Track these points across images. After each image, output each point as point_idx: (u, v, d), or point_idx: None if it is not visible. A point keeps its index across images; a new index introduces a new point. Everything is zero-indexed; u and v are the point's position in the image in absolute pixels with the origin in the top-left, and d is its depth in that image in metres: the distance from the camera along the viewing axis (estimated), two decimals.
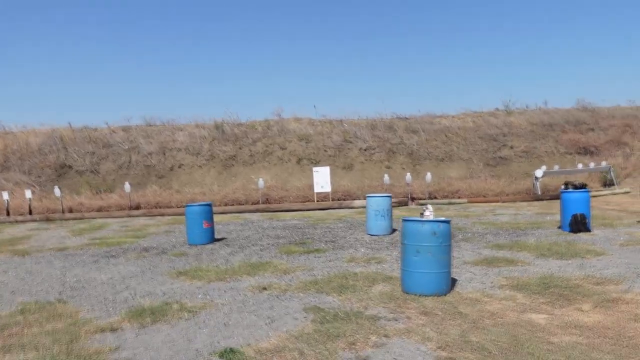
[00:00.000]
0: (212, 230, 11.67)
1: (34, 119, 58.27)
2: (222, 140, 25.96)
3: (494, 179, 23.00)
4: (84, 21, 63.73)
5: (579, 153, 24.73)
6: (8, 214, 20.11)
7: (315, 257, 9.19)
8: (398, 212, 15.73)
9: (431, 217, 6.25)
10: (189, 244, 11.39)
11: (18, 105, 57.68)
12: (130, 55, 64.26)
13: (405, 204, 20.00)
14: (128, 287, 7.40)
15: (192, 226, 11.43)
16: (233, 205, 20.90)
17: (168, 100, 61.04)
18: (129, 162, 24.58)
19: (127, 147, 25.33)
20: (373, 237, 11.46)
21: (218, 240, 11.94)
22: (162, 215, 19.53)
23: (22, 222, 19.17)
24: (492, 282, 6.75)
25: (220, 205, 20.66)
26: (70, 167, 24.22)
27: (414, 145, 25.65)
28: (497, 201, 20.12)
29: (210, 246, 11.07)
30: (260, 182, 20.76)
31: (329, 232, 12.68)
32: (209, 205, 11.73)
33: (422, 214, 6.28)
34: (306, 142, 25.87)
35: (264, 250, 10.17)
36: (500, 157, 24.84)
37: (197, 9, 68.38)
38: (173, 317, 5.70)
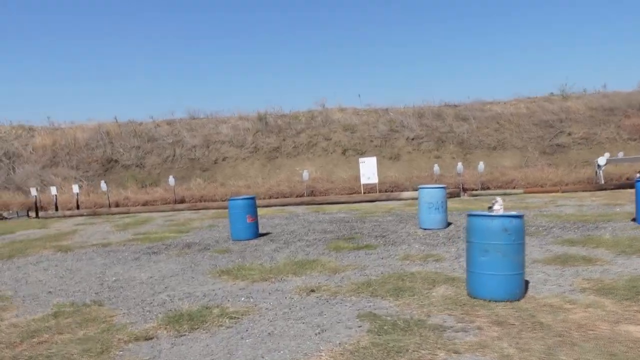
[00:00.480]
0: (256, 224, 11.16)
1: (82, 115, 59.61)
2: (265, 132, 25.55)
3: (551, 167, 21.70)
4: (129, 17, 64.78)
5: None
6: (57, 208, 20.31)
7: (366, 254, 8.52)
8: (450, 204, 14.85)
9: (501, 212, 5.46)
10: (233, 240, 10.94)
11: (67, 102, 59.23)
12: (173, 49, 64.91)
13: (457, 195, 19.03)
14: (167, 287, 6.94)
15: (236, 221, 10.96)
16: (277, 198, 20.45)
17: (211, 93, 61.41)
18: (174, 156, 24.51)
19: (171, 141, 25.27)
20: (426, 231, 10.69)
21: (262, 235, 11.43)
22: (207, 209, 19.26)
23: (70, 216, 19.29)
24: (570, 285, 5.91)
25: (264, 199, 20.26)
26: (116, 161, 24.35)
27: (464, 133, 24.54)
28: (556, 191, 18.89)
29: (254, 242, 10.57)
30: (305, 174, 20.22)
31: (379, 226, 11.98)
32: (253, 198, 11.21)
33: (490, 207, 5.49)
34: (351, 132, 25.15)
35: (310, 247, 9.58)
36: (558, 145, 23.44)
37: (240, 2, 68.41)
38: (213, 324, 5.16)
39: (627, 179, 19.82)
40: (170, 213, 18.73)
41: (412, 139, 24.41)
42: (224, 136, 25.31)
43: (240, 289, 6.56)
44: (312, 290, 6.19)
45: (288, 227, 12.62)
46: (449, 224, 11.26)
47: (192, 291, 6.62)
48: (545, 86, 61.15)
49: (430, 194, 10.85)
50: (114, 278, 7.77)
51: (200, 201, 20.56)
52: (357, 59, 66.58)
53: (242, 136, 25.21)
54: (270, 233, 11.75)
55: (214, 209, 19.14)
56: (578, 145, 23.28)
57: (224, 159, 24.20)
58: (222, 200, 20.46)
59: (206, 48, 66.08)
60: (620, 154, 21.06)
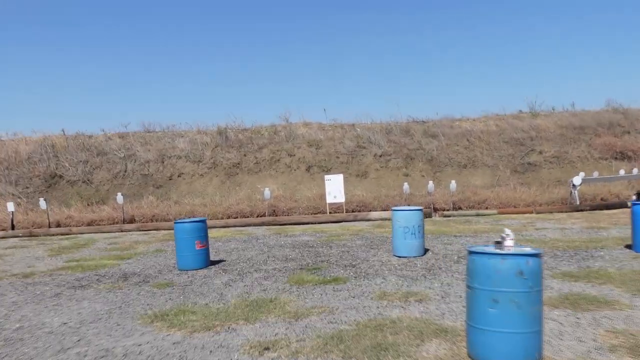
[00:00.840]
0: (206, 252, 9.66)
1: (27, 127, 56.49)
2: (225, 146, 24.03)
3: (523, 187, 20.88)
4: (81, 24, 62.36)
5: (615, 158, 22.56)
6: None
7: (334, 290, 7.16)
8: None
9: (512, 249, 4.21)
10: (179, 269, 9.41)
11: (11, 113, 55.91)
12: (128, 59, 62.61)
13: (429, 216, 17.89)
14: (81, 339, 5.40)
15: (183, 247, 9.44)
16: (237, 217, 18.91)
17: (168, 106, 59.02)
18: (125, 171, 22.70)
19: (123, 155, 23.45)
20: (402, 259, 9.40)
21: (215, 263, 9.94)
22: (157, 229, 17.55)
23: (2, 237, 17.28)
24: (594, 340, 4.68)
25: (222, 218, 18.70)
26: (61, 176, 22.36)
27: (433, 150, 23.59)
28: (530, 212, 17.99)
29: (203, 272, 9.07)
30: (267, 192, 18.77)
31: (348, 252, 10.64)
32: (203, 221, 9.72)
33: (499, 242, 4.21)
34: (316, 149, 23.89)
35: (268, 279, 8.16)
36: (529, 164, 22.72)
37: (197, 9, 66.80)
38: None
39: (602, 199, 19.13)
40: (117, 234, 16.95)
41: (380, 156, 23.31)
42: (181, 151, 23.66)
43: (173, 344, 5.09)
44: (267, 349, 4.78)
45: (245, 253, 11.15)
46: (426, 250, 10.02)
47: (111, 347, 5.10)
48: (513, 104, 61.13)
49: (406, 218, 9.59)
50: (17, 325, 6.16)
51: (152, 221, 18.82)
52: (322, 72, 65.66)
53: (200, 151, 23.62)
54: (224, 261, 10.26)
55: (165, 229, 17.45)
56: (549, 164, 22.62)
57: (179, 175, 22.54)
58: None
59: (164, 58, 63.98)
60: (596, 174, 20.41)
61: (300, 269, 8.92)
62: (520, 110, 27.47)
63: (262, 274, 8.66)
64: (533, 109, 26.49)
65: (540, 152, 23.21)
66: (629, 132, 23.97)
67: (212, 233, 15.76)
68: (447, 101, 62.73)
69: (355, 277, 7.94)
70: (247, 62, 65.65)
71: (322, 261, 9.63)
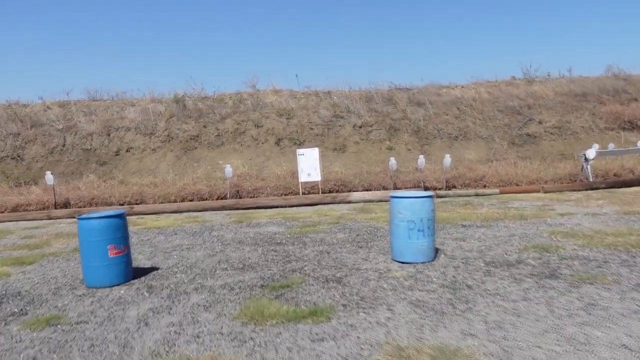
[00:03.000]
0: (125, 260, 6.69)
1: None
2: (182, 117, 20.84)
3: (523, 161, 18.35)
4: None
5: (623, 128, 20.18)
6: None
7: (311, 337, 4.34)
8: None
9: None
10: (87, 286, 6.48)
11: None
12: (73, 19, 57.79)
13: None
14: None
15: (90, 255, 6.46)
16: (192, 200, 15.93)
17: (120, 71, 53.86)
18: (63, 146, 19.38)
19: (62, 127, 20.08)
20: (407, 268, 6.64)
21: (142, 273, 7.02)
22: None
23: None
24: None
25: (174, 201, 15.69)
26: None
27: (420, 120, 20.84)
28: (537, 190, 15.47)
29: (119, 292, 6.16)
30: (228, 170, 15.77)
31: (328, 253, 7.82)
32: (120, 217, 6.69)
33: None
34: (287, 119, 20.89)
35: (211, 308, 5.31)
36: (528, 135, 20.18)
37: None
38: None
39: (615, 174, 16.73)
40: (42, 222, 13.83)
41: (360, 127, 20.45)
42: (130, 122, 20.38)
43: None
44: None
45: (189, 255, 8.24)
46: (436, 250, 7.28)
47: None
48: (504, 70, 56.92)
49: (413, 208, 6.79)
50: None
51: (90, 205, 15.70)
52: (294, 35, 61.62)
53: (153, 122, 20.38)
54: (156, 269, 7.34)
55: None
56: (550, 135, 20.12)
57: (128, 150, 19.32)
58: (120, 204, 15.73)
59: (116, 17, 59.21)
60: (611, 146, 17.92)
61: (262, 286, 6.07)
62: (513, 77, 24.87)
63: (205, 295, 5.79)
64: (528, 74, 23.87)
65: (540, 122, 20.68)
66: (636, 100, 21.57)
67: (159, 221, 12.81)
68: (432, 68, 59.06)
69: (345, 307, 5.14)
70: (210, 23, 60.94)
71: (293, 270, 6.79)
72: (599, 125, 20.43)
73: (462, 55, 56.01)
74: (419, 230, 6.78)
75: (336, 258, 7.45)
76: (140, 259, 8.03)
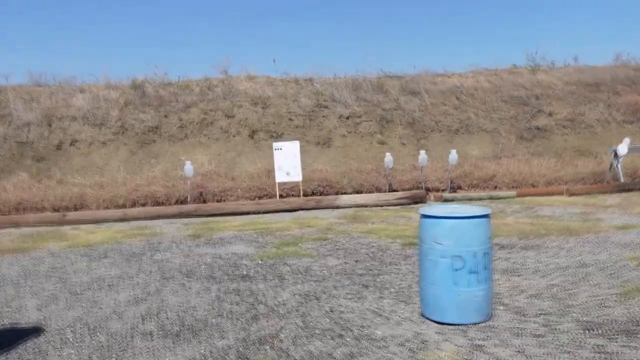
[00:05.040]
0: None
1: None
2: (140, 105, 17.85)
3: (535, 158, 15.87)
4: None
5: None
6: None
7: None
8: (416, 222, 8.37)
9: None
10: None
11: None
12: None
13: (421, 200, 12.57)
14: None
15: None
16: (145, 205, 13.03)
17: (73, 55, 47.83)
18: None
19: None
20: (449, 332, 3.94)
21: (8, 342, 4.19)
22: (17, 225, 11.45)
23: None
24: None
25: (122, 206, 12.80)
26: None
27: (415, 111, 18.22)
28: (559, 193, 12.97)
29: None
30: (188, 168, 12.89)
31: (317, 300, 5.07)
32: None
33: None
34: (263, 108, 18.07)
35: None
36: (537, 128, 17.71)
37: None
38: None
39: None
40: None
41: (347, 118, 17.73)
42: (77, 110, 17.31)
43: None
44: None
45: (106, 301, 5.41)
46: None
47: None
48: (504, 59, 51.84)
49: (461, 236, 4.09)
50: None
51: (16, 211, 12.70)
52: (271, 17, 57.27)
53: (104, 110, 17.34)
54: (38, 332, 4.50)
55: (31, 225, 11.41)
56: (563, 128, 17.67)
57: (72, 143, 16.27)
58: (54, 210, 12.78)
59: None
60: (626, 141, 15.46)
61: None
62: (514, 65, 22.39)
63: None
64: (534, 62, 21.41)
65: (550, 114, 18.21)
66: None
67: (95, 234, 9.93)
68: (425, 55, 54.16)
69: None
70: (179, 3, 56.29)
71: (260, 341, 4.04)
72: (616, 117, 18.05)
73: (456, 42, 52.14)
74: (470, 272, 4.09)
75: (331, 311, 4.72)
76: (27, 308, 5.19)
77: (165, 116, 17.40)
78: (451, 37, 52.23)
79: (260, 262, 6.87)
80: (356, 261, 6.63)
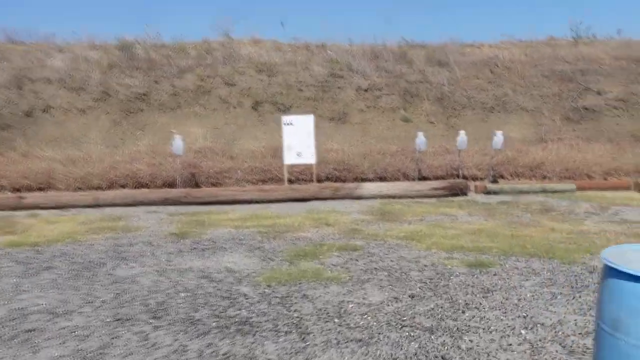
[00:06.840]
0: None
1: None
2: (127, 68, 15.46)
3: (585, 143, 13.59)
4: None
5: None
6: None
7: None
8: (466, 225, 6.13)
9: None
10: None
11: None
12: None
13: (461, 192, 10.30)
14: None
15: None
16: (125, 186, 10.79)
17: (55, 10, 43.38)
18: None
19: None
20: None
21: None
22: None
23: None
24: None
25: (97, 188, 10.56)
26: None
27: (443, 85, 15.83)
28: (623, 187, 10.76)
29: None
30: (177, 143, 10.59)
31: None
32: None
33: None
34: (269, 76, 15.68)
35: None
36: (585, 108, 15.34)
37: None
38: None
39: None
40: None
41: (366, 90, 15.37)
42: (54, 72, 14.95)
43: None
44: None
45: None
46: None
47: None
48: (537, 28, 46.73)
49: None
50: None
51: None
52: None
53: (85, 73, 14.97)
54: None
55: None
56: (614, 109, 15.33)
57: (45, 110, 13.94)
58: (14, 190, 10.56)
59: None
60: None
61: None
62: (552, 37, 19.90)
63: None
64: (577, 33, 18.90)
65: (599, 93, 15.82)
66: None
67: (57, 224, 7.75)
68: (450, 23, 49.33)
69: None
70: None
71: None
72: None
73: (483, 10, 47.43)
74: None
75: None
76: None
77: (156, 82, 15.02)
78: (478, 3, 48.48)
79: (266, 289, 4.64)
80: (411, 297, 4.40)
